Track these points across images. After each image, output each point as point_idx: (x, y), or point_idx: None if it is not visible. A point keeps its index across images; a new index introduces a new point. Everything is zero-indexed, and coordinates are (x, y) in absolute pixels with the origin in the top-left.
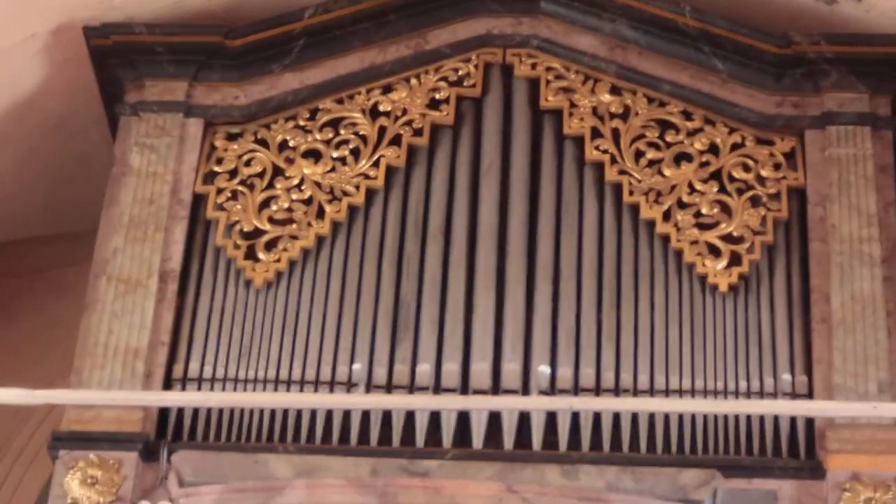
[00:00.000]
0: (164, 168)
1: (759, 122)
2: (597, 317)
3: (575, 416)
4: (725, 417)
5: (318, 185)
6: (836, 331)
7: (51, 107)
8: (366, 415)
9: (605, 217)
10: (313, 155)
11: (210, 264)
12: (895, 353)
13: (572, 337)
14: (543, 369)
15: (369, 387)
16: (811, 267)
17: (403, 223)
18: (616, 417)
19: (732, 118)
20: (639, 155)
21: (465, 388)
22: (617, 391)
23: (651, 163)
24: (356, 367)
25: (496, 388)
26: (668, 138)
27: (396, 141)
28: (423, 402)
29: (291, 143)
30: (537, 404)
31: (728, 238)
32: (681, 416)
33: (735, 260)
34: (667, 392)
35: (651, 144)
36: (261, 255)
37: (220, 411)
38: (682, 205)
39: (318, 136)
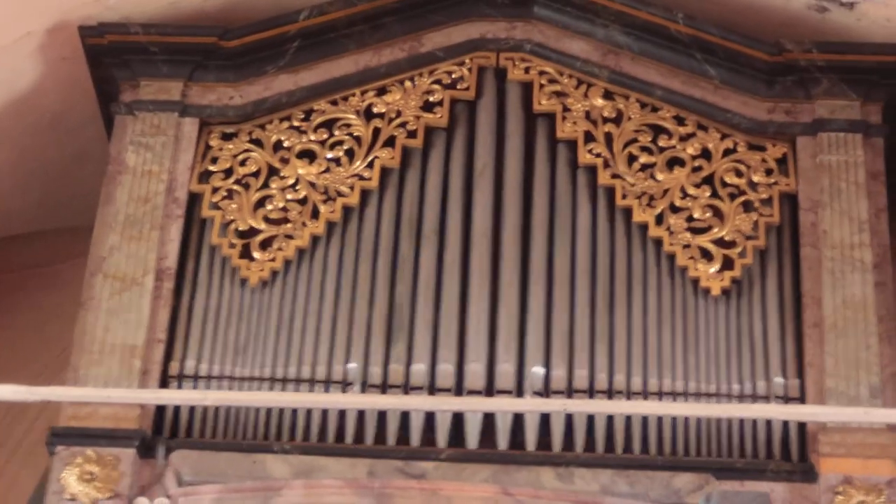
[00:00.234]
0: (159, 167)
1: (751, 128)
2: (590, 319)
3: (569, 417)
4: (718, 420)
5: (313, 185)
6: (828, 335)
7: (46, 105)
8: (361, 414)
9: (598, 220)
10: (308, 155)
11: (205, 263)
12: (886, 358)
13: (566, 338)
14: (537, 370)
15: (365, 385)
16: (803, 272)
17: (398, 224)
18: (610, 419)
19: (725, 124)
20: (632, 159)
21: (459, 388)
22: (610, 393)
23: (644, 167)
24: (351, 365)
25: (490, 389)
26: (661, 143)
27: (390, 142)
28: (417, 403)
29: (286, 144)
30: (531, 406)
31: (720, 242)
32: (674, 418)
33: (727, 264)
34: (660, 394)
35: (644, 149)
36: (256, 254)
37: (217, 409)
38: (674, 209)
39: (312, 137)
